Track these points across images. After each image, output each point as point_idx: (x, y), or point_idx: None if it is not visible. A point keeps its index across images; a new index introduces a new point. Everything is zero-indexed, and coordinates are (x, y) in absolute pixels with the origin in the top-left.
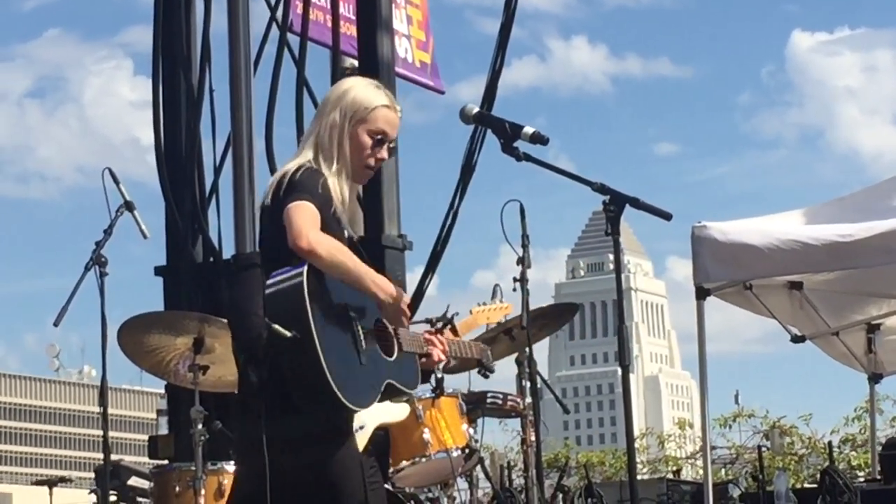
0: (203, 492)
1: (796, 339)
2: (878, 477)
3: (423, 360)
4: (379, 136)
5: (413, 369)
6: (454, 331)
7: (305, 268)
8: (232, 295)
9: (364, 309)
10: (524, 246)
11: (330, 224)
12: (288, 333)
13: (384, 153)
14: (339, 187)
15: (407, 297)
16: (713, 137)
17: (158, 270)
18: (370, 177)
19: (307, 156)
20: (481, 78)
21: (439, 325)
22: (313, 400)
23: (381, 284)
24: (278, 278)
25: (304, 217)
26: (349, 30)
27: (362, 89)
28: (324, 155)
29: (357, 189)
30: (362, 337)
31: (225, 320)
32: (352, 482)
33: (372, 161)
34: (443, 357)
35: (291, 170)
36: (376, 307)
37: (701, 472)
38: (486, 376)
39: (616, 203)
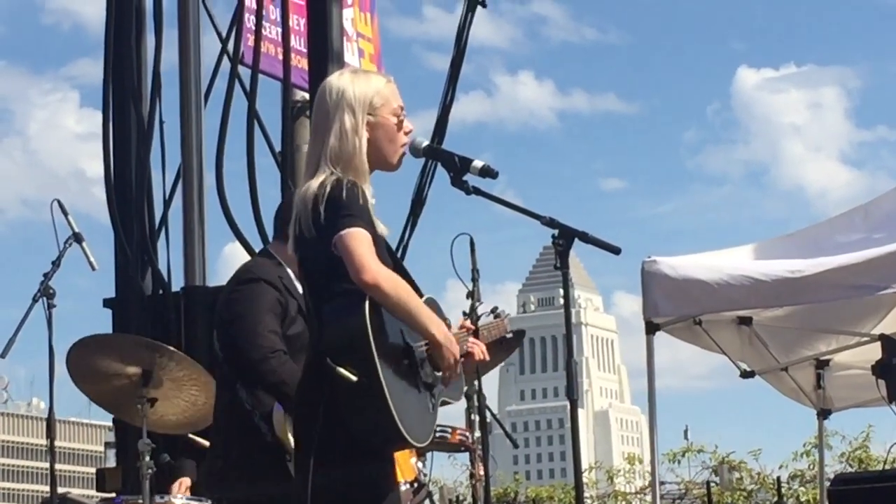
0: None
1: (745, 375)
2: None
3: (463, 359)
4: (399, 114)
5: (459, 379)
6: None
7: (367, 305)
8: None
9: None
10: (474, 280)
11: (377, 241)
12: (354, 378)
13: (409, 125)
14: (369, 192)
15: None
16: (659, 173)
17: (107, 302)
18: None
19: (328, 169)
20: (430, 112)
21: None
22: (380, 444)
23: (439, 326)
24: (338, 312)
25: (362, 247)
26: (300, 63)
27: (358, 79)
28: (345, 163)
29: None
30: (419, 361)
31: (173, 349)
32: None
33: (405, 139)
34: (485, 355)
35: (327, 186)
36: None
37: None
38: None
39: (565, 237)
